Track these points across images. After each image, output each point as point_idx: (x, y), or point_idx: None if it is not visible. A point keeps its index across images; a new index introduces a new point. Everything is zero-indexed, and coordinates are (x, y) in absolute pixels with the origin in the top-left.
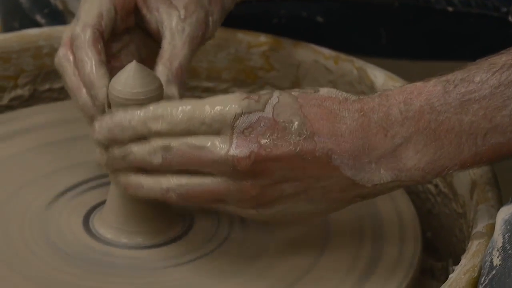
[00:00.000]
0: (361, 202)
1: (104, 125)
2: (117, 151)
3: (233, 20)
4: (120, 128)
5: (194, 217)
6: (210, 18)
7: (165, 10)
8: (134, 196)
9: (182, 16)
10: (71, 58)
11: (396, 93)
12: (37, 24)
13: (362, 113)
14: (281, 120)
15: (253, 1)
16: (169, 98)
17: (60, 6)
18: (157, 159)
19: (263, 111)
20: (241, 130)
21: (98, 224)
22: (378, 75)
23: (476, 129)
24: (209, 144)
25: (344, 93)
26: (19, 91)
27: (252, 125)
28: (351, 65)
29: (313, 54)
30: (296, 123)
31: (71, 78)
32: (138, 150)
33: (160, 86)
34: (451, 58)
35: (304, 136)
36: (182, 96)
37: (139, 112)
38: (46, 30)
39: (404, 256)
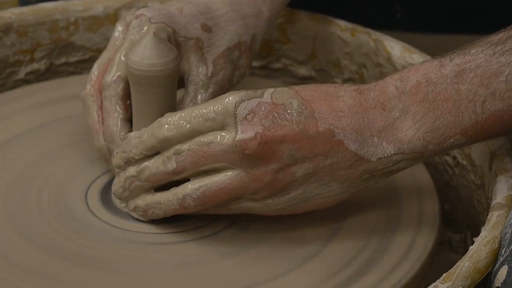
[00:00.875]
0: (373, 184)
1: (120, 149)
2: (132, 169)
3: None
4: (132, 145)
5: None
6: (237, 73)
7: (195, 62)
8: (154, 217)
9: (209, 74)
10: (97, 100)
11: (392, 75)
12: None
13: (358, 91)
14: (281, 103)
15: None
16: None
17: None
18: (171, 165)
19: (262, 97)
20: (243, 116)
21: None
22: (395, 47)
23: (474, 96)
24: (216, 138)
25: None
26: (35, 65)
27: (254, 110)
28: (367, 37)
29: (329, 26)
30: (295, 104)
31: (93, 119)
32: (153, 163)
33: (177, 57)
34: (465, 32)
35: (304, 114)
36: None
37: (145, 129)
38: (62, 4)
39: (423, 229)
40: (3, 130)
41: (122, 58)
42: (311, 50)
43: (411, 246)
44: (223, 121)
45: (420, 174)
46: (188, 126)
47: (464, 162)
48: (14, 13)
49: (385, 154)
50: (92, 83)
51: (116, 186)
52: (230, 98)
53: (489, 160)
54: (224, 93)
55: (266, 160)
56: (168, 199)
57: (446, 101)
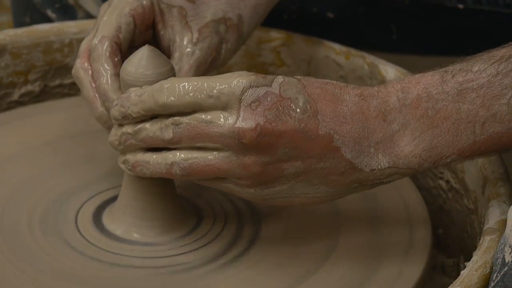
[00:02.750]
0: (361, 192)
1: (119, 101)
2: (129, 127)
3: None
4: (131, 102)
5: (203, 215)
6: (224, 46)
7: (179, 30)
8: (140, 174)
9: (194, 40)
10: (88, 69)
11: (395, 82)
12: (48, 19)
13: (362, 97)
14: (287, 97)
15: None
16: None
17: (71, 0)
18: (168, 134)
19: (271, 86)
20: (248, 103)
21: (109, 219)
22: (390, 71)
23: (474, 117)
24: (216, 118)
25: (343, 83)
26: (29, 87)
27: (260, 99)
28: (362, 60)
29: (324, 50)
30: (301, 101)
31: (88, 89)
32: (151, 126)
33: (172, 69)
34: (462, 54)
35: (308, 113)
36: None
37: (148, 87)
38: (57, 25)
39: (415, 252)
40: (0, 151)
41: (105, 21)
42: (305, 74)
43: (401, 272)
44: (227, 102)
45: (413, 198)
46: (190, 98)
47: (458, 187)
48: (8, 35)
49: (379, 166)
50: (82, 57)
51: (112, 137)
52: (239, 80)
53: (482, 185)
54: (211, 63)
55: (260, 151)
56: (157, 161)
57: (446, 120)
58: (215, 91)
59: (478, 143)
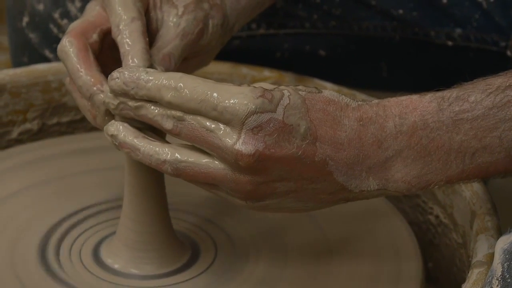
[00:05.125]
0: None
1: (122, 77)
2: (131, 102)
3: (238, 54)
4: (136, 85)
5: (200, 247)
6: (210, 21)
7: (166, 9)
8: (128, 156)
9: (180, 13)
10: (75, 42)
11: (393, 104)
12: (46, 59)
13: (361, 122)
14: (290, 123)
15: (257, 35)
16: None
17: None
18: (168, 125)
19: (275, 112)
20: (250, 128)
21: (107, 254)
22: None
23: (466, 148)
24: (218, 129)
25: (345, 97)
26: (28, 125)
27: (262, 125)
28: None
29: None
30: (303, 127)
31: (73, 60)
32: (152, 109)
33: None
34: None
35: (307, 141)
36: None
37: (157, 75)
38: (54, 65)
39: (407, 285)
40: (0, 188)
41: (120, 6)
42: None
43: None
44: (230, 120)
45: (404, 233)
46: (195, 105)
47: (447, 221)
48: (7, 74)
49: (368, 188)
50: (69, 33)
51: (108, 99)
52: (246, 104)
53: (470, 219)
54: (198, 33)
55: (255, 173)
56: (149, 154)
57: (439, 149)
58: (220, 106)
59: (466, 172)
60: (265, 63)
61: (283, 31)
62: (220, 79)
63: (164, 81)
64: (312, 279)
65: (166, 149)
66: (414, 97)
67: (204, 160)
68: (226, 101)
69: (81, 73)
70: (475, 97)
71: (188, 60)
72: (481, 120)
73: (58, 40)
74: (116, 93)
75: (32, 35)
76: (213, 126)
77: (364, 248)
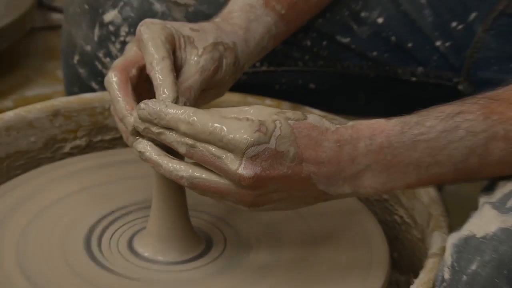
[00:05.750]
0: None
1: (147, 108)
2: (154, 128)
3: (245, 86)
4: (157, 116)
5: (212, 239)
6: (224, 60)
7: (189, 50)
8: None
9: (200, 53)
10: (119, 76)
11: (364, 127)
12: (93, 89)
13: (338, 144)
14: (281, 150)
15: (260, 72)
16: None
17: None
18: (182, 149)
19: (269, 143)
20: (249, 156)
21: (139, 244)
22: None
23: (422, 162)
24: (224, 157)
25: (325, 121)
26: (77, 142)
27: (259, 153)
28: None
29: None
30: (292, 152)
31: (114, 92)
32: (170, 135)
33: None
34: None
35: (295, 162)
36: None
37: (176, 110)
38: (99, 94)
39: (377, 271)
40: (53, 192)
41: (153, 47)
42: None
43: (365, 286)
44: (233, 150)
45: (374, 229)
46: (205, 136)
47: (409, 221)
48: (61, 101)
49: (344, 192)
50: (114, 68)
51: (136, 123)
52: (246, 138)
53: (427, 219)
54: (213, 70)
55: (255, 189)
56: (169, 169)
57: (400, 163)
58: (225, 139)
59: (422, 180)
60: (267, 94)
61: (281, 69)
62: (232, 106)
63: (180, 116)
64: (302, 265)
65: (183, 166)
66: (382, 121)
67: (214, 177)
68: (230, 135)
69: (119, 99)
70: (431, 123)
71: (205, 92)
72: (434, 141)
73: (102, 74)
74: (143, 119)
75: (81, 70)
76: (219, 153)
77: (342, 240)
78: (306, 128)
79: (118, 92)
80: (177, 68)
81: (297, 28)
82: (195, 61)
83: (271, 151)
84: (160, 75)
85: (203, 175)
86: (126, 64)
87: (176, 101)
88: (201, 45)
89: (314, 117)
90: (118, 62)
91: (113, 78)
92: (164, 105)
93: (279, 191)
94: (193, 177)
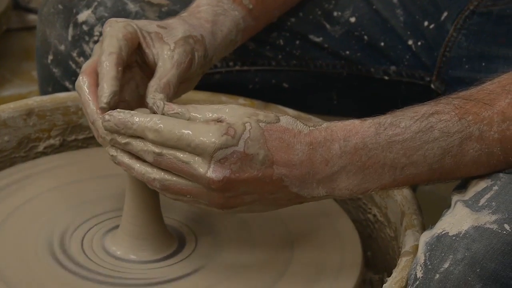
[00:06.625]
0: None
1: (112, 119)
2: (119, 138)
3: (219, 85)
4: (124, 126)
5: (185, 238)
6: (196, 53)
7: (160, 45)
8: (123, 171)
9: (172, 48)
10: (87, 80)
11: (339, 129)
12: (66, 89)
13: (311, 146)
14: (250, 153)
15: (233, 71)
16: (156, 105)
17: None
18: (149, 158)
19: (237, 146)
20: (218, 159)
21: (112, 243)
22: None
23: (397, 163)
24: (192, 161)
25: (299, 124)
26: (51, 141)
27: (227, 156)
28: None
29: (279, 113)
30: (261, 155)
31: (84, 94)
32: (136, 145)
33: None
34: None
35: (265, 165)
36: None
37: (142, 119)
38: (73, 94)
39: (350, 269)
40: (27, 191)
41: (107, 43)
42: None
43: (339, 285)
44: (201, 154)
45: (348, 228)
46: (173, 143)
47: (382, 219)
48: (35, 101)
49: (318, 195)
50: (83, 72)
51: (102, 134)
52: (213, 141)
53: (400, 218)
54: (188, 62)
55: (225, 191)
56: (141, 171)
57: (375, 164)
58: (193, 143)
59: (397, 181)
60: (240, 93)
61: (254, 68)
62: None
63: (147, 124)
64: (274, 265)
65: (155, 169)
66: (357, 122)
67: (185, 180)
68: (197, 140)
69: (90, 103)
70: (405, 123)
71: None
72: (409, 142)
73: (76, 74)
74: (109, 130)
75: (55, 70)
76: (187, 159)
77: (316, 239)
78: (277, 131)
79: (88, 96)
80: (150, 64)
81: (266, 23)
82: (169, 56)
83: (239, 154)
84: (104, 70)
85: (174, 178)
86: (94, 66)
87: (113, 95)
88: (171, 40)
89: (287, 119)
90: (86, 66)
91: (82, 83)
92: (129, 114)
93: (250, 193)
94: (165, 179)
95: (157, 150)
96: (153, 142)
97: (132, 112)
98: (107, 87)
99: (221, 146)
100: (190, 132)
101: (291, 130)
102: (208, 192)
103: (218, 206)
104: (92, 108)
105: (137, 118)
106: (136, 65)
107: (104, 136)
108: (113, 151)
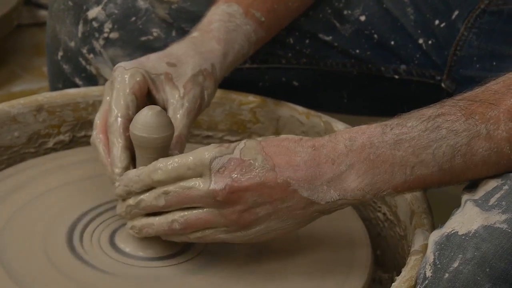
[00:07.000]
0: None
1: (122, 182)
2: (131, 200)
3: (228, 83)
4: (133, 182)
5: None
6: (205, 92)
7: (169, 91)
8: (147, 235)
9: (182, 95)
10: (102, 139)
11: (343, 132)
12: (76, 85)
13: (314, 148)
14: (247, 159)
15: (243, 68)
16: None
17: (94, 71)
18: (161, 202)
19: (232, 153)
20: (216, 170)
21: (120, 240)
22: (340, 127)
23: (406, 162)
24: (195, 184)
25: (300, 136)
26: (61, 137)
27: (225, 165)
28: (319, 119)
29: (289, 111)
30: (259, 160)
31: (102, 156)
32: (147, 197)
33: (172, 128)
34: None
35: (266, 168)
36: None
37: (142, 170)
38: (83, 90)
39: (359, 268)
40: (36, 187)
41: (115, 100)
42: (275, 129)
43: (348, 283)
44: (201, 171)
45: (357, 226)
46: (176, 173)
47: (392, 218)
48: (45, 97)
49: (332, 199)
50: (97, 129)
51: (119, 211)
52: (207, 154)
53: (410, 217)
54: (198, 108)
55: (233, 203)
56: (160, 221)
57: (384, 163)
58: (191, 163)
59: (408, 182)
60: (250, 90)
61: (264, 66)
62: (214, 103)
63: (150, 168)
64: (284, 263)
65: (171, 214)
66: (362, 126)
67: (196, 210)
68: (193, 159)
69: (107, 166)
70: (412, 123)
71: None
72: (417, 140)
73: (86, 70)
74: (122, 196)
75: (65, 66)
76: (191, 184)
77: (325, 238)
78: (276, 140)
79: (104, 159)
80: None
81: (276, 32)
82: (179, 105)
83: (236, 161)
84: (113, 137)
85: (187, 212)
86: (106, 120)
87: (125, 169)
88: (180, 82)
89: (287, 135)
90: (98, 119)
91: (97, 142)
92: (133, 173)
93: (261, 204)
94: (181, 216)
95: (163, 189)
96: (160, 182)
97: (133, 170)
98: (118, 162)
99: (216, 155)
100: (186, 158)
101: (291, 139)
102: (219, 212)
103: (234, 226)
104: (110, 171)
105: (140, 171)
106: (148, 102)
107: (120, 212)
108: (130, 223)
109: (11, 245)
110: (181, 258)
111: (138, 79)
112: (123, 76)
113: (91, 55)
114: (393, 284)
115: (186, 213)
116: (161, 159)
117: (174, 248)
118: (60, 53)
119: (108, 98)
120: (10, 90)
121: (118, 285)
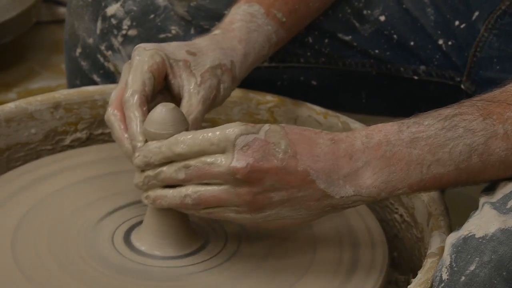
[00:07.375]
0: (334, 214)
1: (141, 153)
2: (151, 172)
3: (246, 82)
4: (153, 153)
5: (209, 236)
6: (222, 86)
7: (186, 77)
8: (159, 206)
9: (198, 82)
10: (118, 115)
11: (360, 130)
12: (94, 82)
13: (333, 141)
14: (271, 141)
15: (262, 67)
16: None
17: (112, 68)
18: (181, 175)
19: (258, 133)
20: (240, 147)
21: (136, 239)
22: (358, 127)
23: (422, 160)
24: (216, 160)
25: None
26: (78, 134)
27: (249, 144)
28: (336, 119)
29: (307, 110)
30: (283, 144)
31: (117, 131)
32: (167, 169)
33: (186, 123)
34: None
35: (288, 154)
36: None
37: (163, 142)
38: (100, 87)
39: (375, 270)
40: (52, 184)
41: (132, 77)
42: None
43: (364, 285)
44: (225, 147)
45: (374, 228)
46: (198, 147)
47: (409, 220)
48: (63, 94)
49: (346, 194)
50: (112, 105)
51: (137, 180)
52: (233, 130)
53: (427, 219)
54: (213, 98)
55: (251, 184)
56: (173, 195)
57: (400, 161)
58: (216, 138)
59: (424, 181)
60: (268, 90)
61: (282, 65)
62: (232, 102)
63: (171, 141)
64: (302, 264)
65: (184, 188)
66: (379, 124)
67: (212, 187)
68: (218, 134)
69: (124, 142)
70: (429, 122)
71: None
72: (434, 138)
73: (104, 67)
74: (141, 167)
75: (83, 63)
76: (212, 159)
77: (342, 239)
78: (297, 129)
79: (121, 134)
80: (175, 95)
81: (297, 33)
82: (195, 92)
83: (261, 142)
84: (129, 112)
85: (202, 188)
86: (121, 97)
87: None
88: (198, 71)
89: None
90: (114, 96)
91: (113, 118)
92: (153, 144)
93: (277, 189)
94: (195, 192)
95: (185, 162)
96: (181, 156)
97: (153, 142)
98: (139, 135)
99: (242, 132)
100: (210, 133)
101: (311, 130)
102: (235, 190)
103: (246, 207)
104: (127, 147)
105: (161, 142)
106: (165, 90)
107: (137, 182)
108: (145, 193)
109: (25, 242)
110: (198, 257)
111: (157, 60)
112: (142, 56)
113: (109, 52)
114: (408, 286)
115: (201, 189)
116: (183, 132)
117: (191, 247)
118: (79, 50)
119: (125, 77)
120: (28, 87)
121: (133, 284)
